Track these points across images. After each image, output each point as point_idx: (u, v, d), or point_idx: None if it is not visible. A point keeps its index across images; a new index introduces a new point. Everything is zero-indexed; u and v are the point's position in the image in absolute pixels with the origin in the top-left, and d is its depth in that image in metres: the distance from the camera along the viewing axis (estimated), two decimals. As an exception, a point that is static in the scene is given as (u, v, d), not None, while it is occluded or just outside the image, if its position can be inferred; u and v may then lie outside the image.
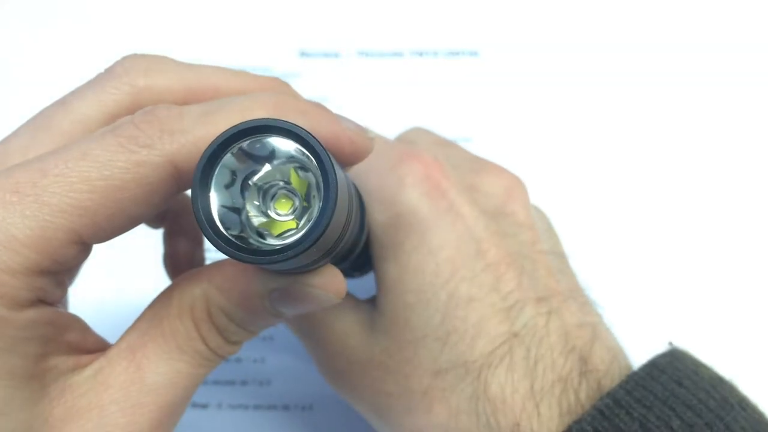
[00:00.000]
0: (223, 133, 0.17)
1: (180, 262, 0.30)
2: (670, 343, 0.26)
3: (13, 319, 0.18)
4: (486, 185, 0.28)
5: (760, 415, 0.23)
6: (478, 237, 0.26)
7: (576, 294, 0.27)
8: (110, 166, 0.18)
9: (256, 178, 0.18)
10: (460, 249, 0.26)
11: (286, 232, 0.18)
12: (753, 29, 0.44)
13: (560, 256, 0.29)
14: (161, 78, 0.22)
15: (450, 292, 0.25)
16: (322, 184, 0.17)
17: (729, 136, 0.41)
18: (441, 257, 0.26)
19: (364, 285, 0.29)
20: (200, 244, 0.30)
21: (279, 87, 0.24)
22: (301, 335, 0.29)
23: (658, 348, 0.25)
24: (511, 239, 0.27)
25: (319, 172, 0.17)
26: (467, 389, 0.24)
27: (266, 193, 0.18)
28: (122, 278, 0.34)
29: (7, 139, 0.22)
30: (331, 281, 0.21)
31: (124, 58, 0.23)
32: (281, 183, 0.18)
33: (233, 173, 0.18)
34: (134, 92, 0.22)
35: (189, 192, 0.18)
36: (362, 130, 0.22)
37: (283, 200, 0.18)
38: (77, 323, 0.21)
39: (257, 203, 0.18)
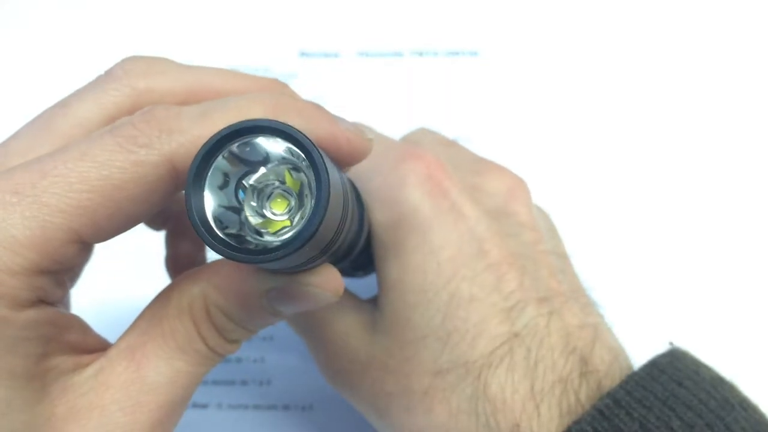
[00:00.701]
0: (215, 134, 0.17)
1: (182, 263, 0.30)
2: (671, 343, 0.26)
3: (14, 319, 0.18)
4: (488, 185, 0.29)
5: (760, 415, 0.23)
6: (480, 237, 0.26)
7: (578, 294, 0.27)
8: (109, 166, 0.18)
9: (252, 179, 0.18)
10: (462, 249, 0.26)
11: (282, 230, 0.18)
12: (754, 28, 0.44)
13: (562, 257, 0.29)
14: (161, 80, 0.22)
15: (451, 291, 0.25)
16: (314, 183, 0.17)
17: (730, 135, 0.41)
18: (443, 257, 0.26)
19: (367, 285, 0.29)
20: (202, 245, 0.31)
21: (278, 88, 0.24)
22: (302, 334, 0.29)
23: (659, 348, 0.25)
24: (513, 239, 0.27)
25: (311, 171, 0.17)
26: (467, 389, 0.24)
27: (262, 193, 0.18)
28: (122, 278, 0.34)
29: (6, 141, 0.22)
30: (328, 280, 0.21)
31: (124, 60, 0.23)
32: (276, 183, 0.18)
33: (228, 174, 0.18)
34: (134, 94, 0.22)
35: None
36: (360, 131, 0.22)
37: (279, 200, 0.18)
38: (78, 323, 0.21)
39: (254, 204, 0.18)
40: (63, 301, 0.27)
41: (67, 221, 0.18)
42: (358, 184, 0.27)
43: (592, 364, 0.24)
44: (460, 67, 0.44)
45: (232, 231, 0.18)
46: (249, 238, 0.18)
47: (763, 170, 0.40)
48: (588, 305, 0.27)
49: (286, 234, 0.18)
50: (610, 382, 0.24)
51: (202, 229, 0.17)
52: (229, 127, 0.17)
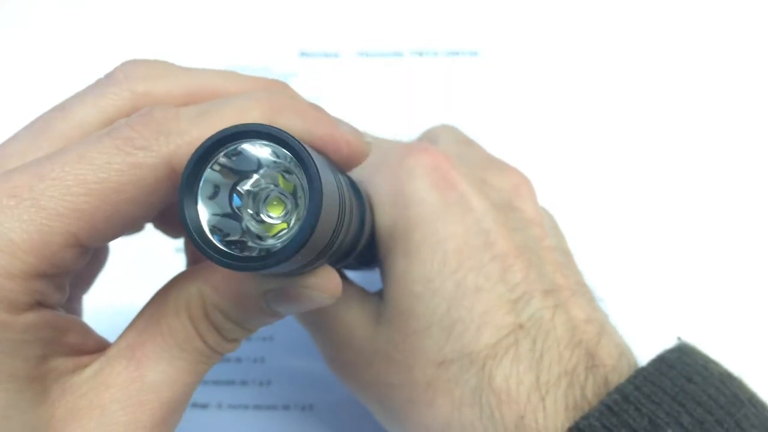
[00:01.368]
0: (205, 141, 0.17)
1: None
2: (679, 338, 0.25)
3: (13, 322, 0.18)
4: (494, 181, 0.29)
5: None
6: (487, 228, 0.26)
7: (583, 290, 0.27)
8: (106, 168, 0.18)
9: (247, 185, 0.18)
10: (469, 240, 0.26)
11: (281, 233, 0.18)
12: (753, 27, 0.44)
13: (566, 254, 0.29)
14: (161, 83, 0.22)
15: (457, 282, 0.25)
16: (306, 188, 0.17)
17: (731, 133, 0.41)
18: (449, 247, 0.26)
19: (373, 277, 0.29)
20: None
21: (278, 88, 0.24)
22: (308, 327, 0.29)
23: (662, 346, 0.25)
24: (519, 233, 0.27)
25: (302, 173, 0.17)
26: (471, 381, 0.24)
27: (257, 198, 0.18)
28: (120, 279, 0.34)
29: (5, 144, 0.22)
30: (326, 282, 0.21)
31: (124, 63, 0.23)
32: (272, 186, 0.18)
33: (221, 182, 0.18)
34: (134, 97, 0.22)
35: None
36: (359, 134, 0.22)
37: (275, 203, 0.18)
38: (77, 325, 0.21)
39: (251, 210, 0.18)
40: (73, 306, 0.28)
41: (65, 225, 0.18)
42: (362, 179, 0.27)
43: (599, 358, 0.24)
44: (460, 67, 0.44)
45: (234, 238, 0.18)
46: (251, 244, 0.18)
47: (764, 167, 0.40)
48: (593, 301, 0.27)
49: (283, 239, 0.18)
50: (618, 377, 0.24)
51: (197, 238, 0.17)
52: (216, 134, 0.17)
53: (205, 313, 0.21)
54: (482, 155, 0.31)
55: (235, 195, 0.18)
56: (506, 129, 0.42)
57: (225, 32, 0.46)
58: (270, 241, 0.18)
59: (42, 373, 0.19)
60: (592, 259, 0.30)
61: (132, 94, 0.22)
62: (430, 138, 0.33)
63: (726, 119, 0.42)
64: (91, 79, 0.23)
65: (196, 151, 0.17)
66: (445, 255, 0.26)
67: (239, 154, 0.18)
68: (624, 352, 0.25)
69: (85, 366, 0.20)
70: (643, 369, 0.24)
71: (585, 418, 0.22)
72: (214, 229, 0.17)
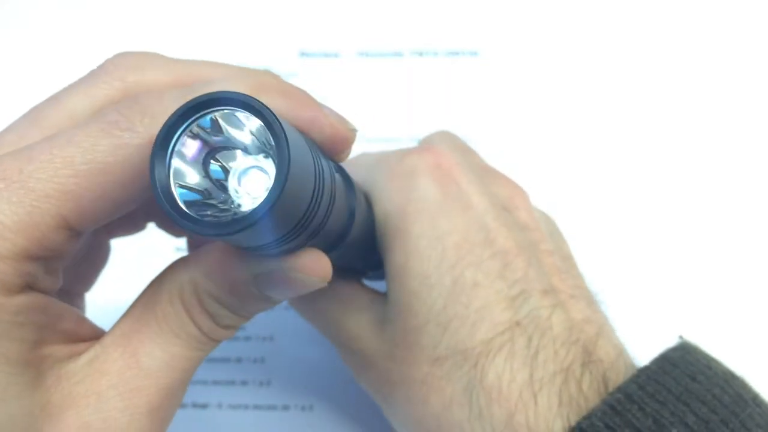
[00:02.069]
0: (180, 107, 0.17)
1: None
2: (680, 337, 0.25)
3: (5, 303, 0.18)
4: (491, 189, 0.29)
5: None
6: (488, 225, 0.26)
7: (583, 293, 0.27)
8: (93, 150, 0.19)
9: (231, 162, 0.18)
10: (468, 236, 0.26)
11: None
12: (753, 24, 0.44)
13: (567, 259, 0.29)
14: (151, 73, 0.22)
15: (455, 277, 0.25)
16: (275, 150, 0.17)
17: (729, 134, 0.41)
18: (448, 242, 0.26)
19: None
20: None
21: (265, 75, 0.24)
22: (322, 330, 0.29)
23: (664, 345, 0.25)
24: (518, 233, 0.27)
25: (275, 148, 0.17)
26: (463, 378, 0.24)
27: (238, 174, 0.18)
28: (122, 277, 0.34)
29: (0, 134, 0.22)
30: (313, 264, 0.21)
31: (115, 56, 0.23)
32: (253, 163, 0.18)
33: (200, 149, 0.18)
34: (124, 87, 0.22)
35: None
36: (343, 119, 0.22)
37: (254, 177, 0.18)
38: (72, 312, 0.21)
39: (233, 184, 0.18)
40: (76, 302, 0.28)
41: (53, 206, 0.18)
42: (362, 178, 0.27)
43: (596, 355, 0.24)
44: (460, 67, 0.44)
45: (215, 203, 0.18)
46: (233, 211, 0.18)
47: (763, 165, 0.40)
48: (593, 304, 0.27)
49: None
50: (615, 375, 0.24)
51: (164, 200, 0.17)
52: (192, 100, 0.17)
53: (198, 300, 0.21)
54: (480, 164, 0.31)
55: (221, 169, 0.18)
56: (506, 129, 0.42)
57: (225, 32, 0.45)
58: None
59: (37, 359, 0.19)
60: (592, 260, 0.30)
61: (122, 83, 0.22)
62: (429, 143, 0.33)
63: (724, 119, 0.42)
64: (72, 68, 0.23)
65: (172, 114, 0.17)
66: (444, 250, 0.26)
67: (215, 126, 0.18)
68: (622, 352, 0.25)
69: (81, 353, 0.20)
70: (646, 368, 0.23)
71: (587, 418, 0.22)
72: (199, 191, 0.18)
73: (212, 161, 0.18)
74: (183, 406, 0.35)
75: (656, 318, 0.36)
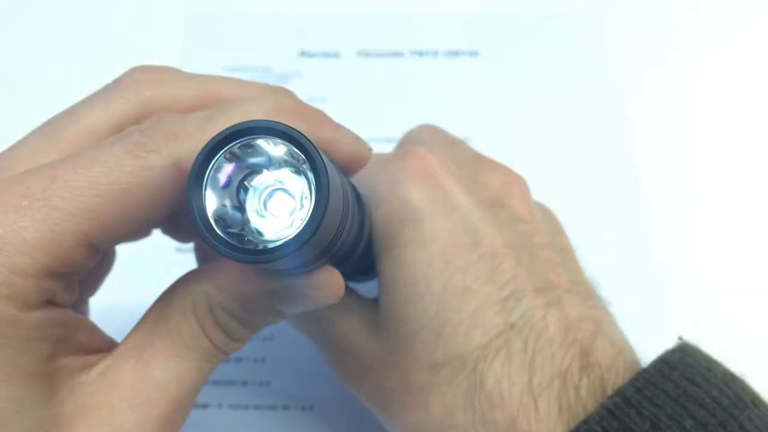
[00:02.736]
0: (217, 134, 0.18)
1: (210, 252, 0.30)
2: (680, 338, 0.25)
3: (24, 319, 0.18)
4: (484, 179, 0.28)
5: None
6: (474, 227, 0.26)
7: (579, 287, 0.27)
8: (117, 170, 0.19)
9: (254, 180, 0.19)
10: (455, 239, 0.26)
11: (282, 232, 0.18)
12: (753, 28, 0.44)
13: (564, 251, 0.28)
14: (168, 88, 0.23)
15: (444, 283, 0.25)
16: (314, 184, 0.17)
17: (727, 135, 0.41)
18: (434, 248, 0.26)
19: (373, 285, 0.29)
20: None
21: (282, 94, 0.24)
22: (309, 337, 0.29)
23: (662, 346, 0.25)
24: (508, 230, 0.27)
25: (311, 173, 0.17)
26: (463, 384, 0.24)
27: (263, 194, 0.19)
28: (126, 280, 0.34)
29: (14, 147, 0.22)
30: (328, 282, 0.21)
31: (132, 69, 0.23)
32: (278, 185, 0.19)
33: (230, 175, 0.18)
34: (141, 102, 0.22)
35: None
36: (360, 139, 0.23)
37: (280, 201, 0.19)
38: (86, 324, 0.21)
39: (255, 205, 0.19)
40: (81, 308, 0.28)
41: (76, 225, 0.18)
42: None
43: (594, 357, 0.24)
44: (460, 67, 0.44)
45: (234, 230, 0.18)
46: (250, 238, 0.18)
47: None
48: (590, 298, 0.27)
49: (286, 235, 0.18)
50: (614, 376, 0.24)
51: (203, 228, 0.17)
52: (230, 127, 0.18)
53: (210, 313, 0.21)
54: (470, 154, 0.31)
55: (242, 189, 0.18)
56: (506, 129, 0.42)
57: (225, 32, 0.46)
58: (269, 238, 0.18)
59: (51, 371, 0.19)
60: (591, 258, 0.30)
61: (140, 98, 0.22)
62: (413, 140, 0.32)
63: (722, 122, 0.42)
64: (95, 84, 0.23)
65: (209, 142, 0.18)
66: (431, 256, 0.25)
67: (252, 148, 0.18)
68: (622, 349, 0.25)
69: (93, 365, 0.20)
70: (644, 371, 0.23)
71: (585, 422, 0.22)
72: (217, 219, 0.18)
73: (243, 183, 0.18)
74: (183, 406, 0.35)
75: (658, 314, 0.36)
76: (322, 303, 0.22)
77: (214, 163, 0.18)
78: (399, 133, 0.34)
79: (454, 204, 0.26)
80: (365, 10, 0.46)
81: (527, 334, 0.24)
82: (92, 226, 0.19)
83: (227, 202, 0.18)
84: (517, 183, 0.29)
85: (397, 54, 0.45)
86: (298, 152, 0.17)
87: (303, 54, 0.45)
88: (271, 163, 0.18)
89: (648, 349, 0.25)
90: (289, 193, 0.19)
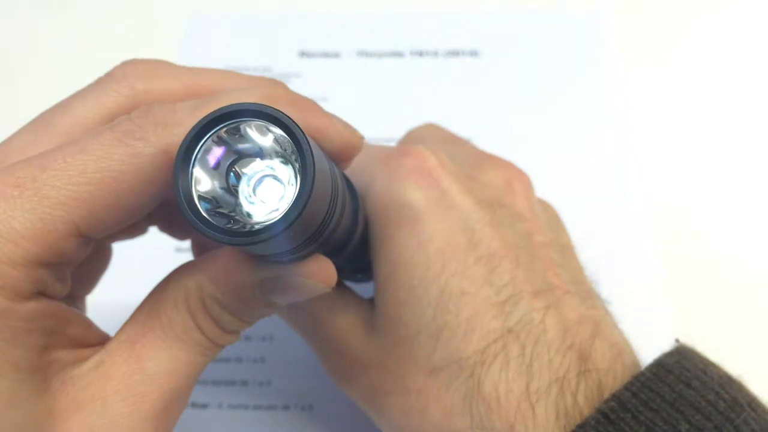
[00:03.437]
0: (206, 115, 0.18)
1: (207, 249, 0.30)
2: (677, 341, 0.25)
3: (15, 310, 0.18)
4: (486, 177, 0.28)
5: None
6: (471, 227, 0.26)
7: (579, 287, 0.27)
8: (107, 158, 0.19)
9: (246, 167, 0.19)
10: (452, 240, 0.25)
11: (270, 216, 0.18)
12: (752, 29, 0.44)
13: (565, 249, 0.28)
14: (159, 81, 0.23)
15: (441, 286, 0.25)
16: (299, 165, 0.17)
17: (724, 136, 0.41)
18: (431, 250, 0.25)
19: (368, 285, 0.29)
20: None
21: (274, 84, 0.24)
22: (304, 336, 0.29)
23: (662, 346, 0.24)
24: (507, 229, 0.26)
25: (295, 157, 0.17)
26: (461, 388, 0.24)
27: (252, 179, 0.19)
28: (123, 279, 0.34)
29: (8, 140, 0.22)
30: (319, 270, 0.21)
31: (124, 63, 0.23)
32: (269, 171, 0.19)
33: (219, 158, 0.18)
34: (133, 95, 0.22)
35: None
36: (352, 128, 0.22)
37: (269, 188, 0.19)
38: (78, 317, 0.21)
39: (246, 191, 0.19)
40: (77, 305, 0.28)
41: (66, 213, 0.18)
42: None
43: (592, 362, 0.24)
44: (460, 67, 0.44)
45: (224, 211, 0.18)
46: (239, 220, 0.18)
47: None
48: (590, 298, 0.26)
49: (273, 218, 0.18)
50: (612, 380, 0.24)
51: (187, 208, 0.17)
52: (218, 110, 0.18)
53: (203, 305, 0.21)
54: (472, 152, 0.30)
55: (233, 174, 0.18)
56: (506, 129, 0.42)
57: (225, 32, 0.46)
58: (258, 221, 0.18)
59: (44, 364, 0.19)
60: (591, 257, 0.30)
61: (131, 91, 0.22)
62: (415, 139, 0.32)
63: (720, 123, 0.42)
64: (92, 80, 0.23)
65: (197, 123, 0.18)
66: (428, 258, 0.25)
67: (238, 133, 0.18)
68: (620, 352, 0.25)
69: (86, 358, 0.20)
70: (640, 375, 0.23)
71: (581, 426, 0.22)
72: (210, 200, 0.18)
73: (234, 167, 0.19)
74: (183, 406, 0.35)
75: (658, 314, 0.36)
76: (314, 292, 0.22)
77: (202, 145, 0.18)
78: (399, 133, 0.34)
79: (452, 204, 0.26)
80: (365, 10, 0.46)
81: (525, 339, 0.24)
82: (82, 215, 0.19)
83: (219, 185, 0.18)
84: (519, 179, 0.28)
85: (397, 54, 0.45)
86: (285, 136, 0.18)
87: (303, 54, 0.45)
88: (262, 153, 0.18)
89: (647, 350, 0.25)
90: (279, 180, 0.19)
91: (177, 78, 0.23)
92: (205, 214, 0.17)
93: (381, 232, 0.26)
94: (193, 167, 0.18)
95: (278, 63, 0.44)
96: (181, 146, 0.18)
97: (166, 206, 0.28)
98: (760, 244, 0.38)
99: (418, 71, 0.44)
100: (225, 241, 0.17)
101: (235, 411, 0.35)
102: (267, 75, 0.44)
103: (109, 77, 0.23)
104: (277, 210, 0.18)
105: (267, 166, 0.19)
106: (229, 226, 0.18)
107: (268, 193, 0.19)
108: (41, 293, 0.19)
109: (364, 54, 0.45)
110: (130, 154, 0.19)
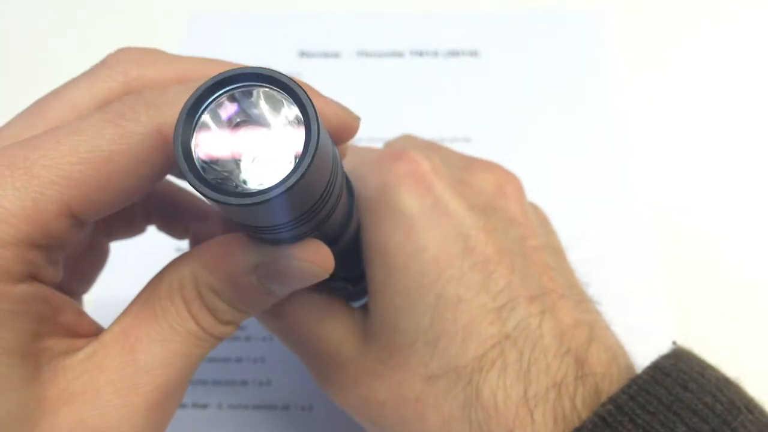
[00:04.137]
0: (223, 72, 0.17)
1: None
2: (674, 343, 0.25)
3: (6, 291, 0.18)
4: (477, 181, 0.28)
5: (767, 417, 0.23)
6: (466, 234, 0.26)
7: (572, 291, 0.27)
8: (98, 138, 0.19)
9: (251, 134, 0.18)
10: (446, 247, 0.25)
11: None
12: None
13: (556, 252, 0.28)
14: (152, 68, 0.23)
15: (437, 293, 0.25)
16: (304, 128, 0.17)
17: (721, 137, 0.41)
18: (426, 257, 0.25)
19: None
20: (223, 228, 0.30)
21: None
22: (294, 348, 0.28)
23: (660, 347, 0.24)
24: (501, 235, 0.26)
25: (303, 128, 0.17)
26: (460, 396, 0.24)
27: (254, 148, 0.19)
28: (122, 279, 0.34)
29: (2, 127, 0.22)
30: (316, 253, 0.21)
31: (118, 50, 0.23)
32: (271, 140, 0.18)
33: (231, 115, 0.18)
34: (126, 81, 0.22)
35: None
36: (347, 109, 0.22)
37: (270, 157, 0.18)
38: (71, 306, 0.21)
39: (249, 156, 0.18)
40: (77, 296, 0.27)
41: (57, 193, 0.18)
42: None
43: (588, 366, 0.24)
44: (460, 67, 0.44)
45: (218, 169, 0.18)
46: (237, 184, 0.18)
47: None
48: (583, 302, 0.26)
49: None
50: (608, 384, 0.23)
51: (185, 162, 0.17)
52: (233, 69, 0.18)
53: (197, 294, 0.21)
54: (458, 156, 0.30)
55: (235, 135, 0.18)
56: (506, 129, 0.42)
57: (225, 32, 0.46)
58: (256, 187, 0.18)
59: (35, 351, 0.19)
60: (591, 258, 0.30)
61: (124, 77, 0.22)
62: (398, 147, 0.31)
63: (718, 123, 0.42)
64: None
65: (209, 79, 0.18)
66: (423, 265, 0.25)
67: (251, 97, 0.18)
68: (615, 355, 0.25)
69: (79, 349, 0.20)
70: (637, 377, 0.23)
71: (578, 430, 0.22)
72: (208, 160, 0.18)
73: (240, 128, 0.18)
74: (183, 406, 0.35)
75: (650, 316, 0.36)
76: (310, 277, 0.21)
77: (208, 104, 0.18)
78: (399, 133, 0.33)
79: (446, 210, 0.26)
80: (365, 10, 0.46)
81: (522, 345, 0.24)
82: (74, 195, 0.18)
83: (222, 143, 0.18)
84: (510, 183, 0.28)
85: (397, 54, 0.45)
86: (296, 108, 0.17)
87: (303, 54, 0.45)
88: (269, 124, 0.18)
89: (646, 350, 0.25)
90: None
91: (169, 65, 0.23)
92: (202, 173, 0.17)
93: (374, 238, 0.26)
94: (195, 125, 0.18)
95: (278, 63, 0.44)
96: (189, 99, 0.17)
97: (164, 204, 0.28)
98: (760, 244, 0.38)
99: (418, 71, 0.44)
100: (226, 201, 0.17)
101: (235, 411, 0.35)
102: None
103: (103, 64, 0.23)
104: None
105: (272, 137, 0.18)
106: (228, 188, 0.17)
107: (268, 164, 0.18)
108: (33, 276, 0.19)
109: (364, 54, 0.45)
110: (122, 134, 0.19)
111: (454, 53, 0.44)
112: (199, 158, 0.17)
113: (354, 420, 0.27)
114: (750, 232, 0.39)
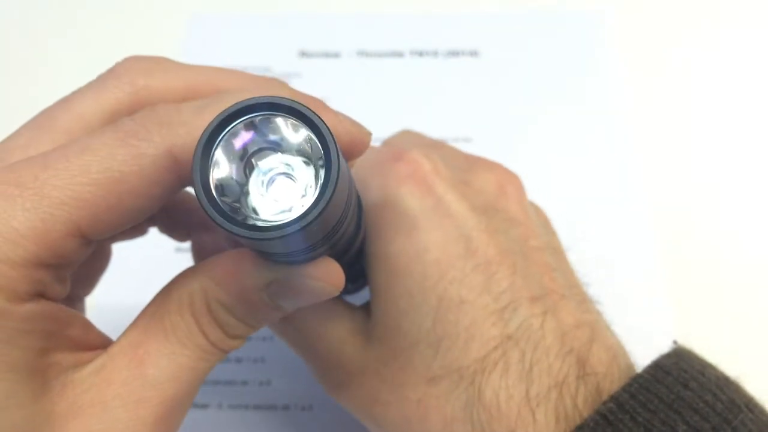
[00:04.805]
0: (235, 104, 0.17)
1: (207, 252, 0.29)
2: (675, 342, 0.25)
3: (13, 311, 0.18)
4: (478, 181, 0.28)
5: (767, 416, 0.23)
6: (467, 235, 0.26)
7: (573, 291, 0.27)
8: (110, 158, 0.18)
9: (263, 160, 0.18)
10: (448, 249, 0.25)
11: (279, 214, 0.18)
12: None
13: (557, 252, 0.28)
14: (161, 78, 0.22)
15: (440, 295, 0.25)
16: (323, 175, 0.17)
17: (718, 138, 0.41)
18: (428, 259, 0.25)
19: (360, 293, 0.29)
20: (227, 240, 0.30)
21: (277, 84, 0.24)
22: (296, 348, 0.28)
23: (660, 347, 0.25)
24: (502, 235, 0.26)
25: (321, 161, 0.17)
26: (462, 396, 0.24)
27: (266, 176, 0.18)
28: (122, 280, 0.34)
29: (9, 138, 0.22)
30: (328, 272, 0.21)
31: (125, 59, 0.23)
32: (284, 168, 0.18)
33: (239, 150, 0.18)
34: (134, 91, 0.22)
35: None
36: (359, 125, 0.22)
37: (282, 187, 0.18)
38: (79, 320, 0.21)
39: (259, 185, 0.18)
40: (76, 306, 0.27)
41: (67, 213, 0.18)
42: None
43: (590, 366, 0.24)
44: (460, 67, 0.44)
45: (228, 200, 0.18)
46: (244, 212, 0.18)
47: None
48: (584, 302, 0.27)
49: (285, 218, 0.18)
50: (609, 383, 0.24)
51: (205, 197, 0.17)
52: (248, 99, 0.17)
53: (207, 309, 0.21)
54: (458, 154, 0.30)
55: (248, 165, 0.18)
56: (506, 129, 0.42)
57: (225, 32, 0.46)
58: (265, 217, 0.18)
59: (43, 367, 0.19)
60: (591, 258, 0.30)
61: (132, 87, 0.22)
62: (396, 145, 0.31)
63: (715, 123, 0.42)
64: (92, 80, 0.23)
65: (225, 110, 0.17)
66: (425, 267, 0.25)
67: (268, 124, 0.18)
68: (616, 355, 0.25)
69: (87, 362, 0.20)
70: (638, 376, 0.23)
71: (580, 428, 0.22)
72: (217, 186, 0.18)
73: (251, 159, 0.18)
74: (183, 406, 0.35)
75: (649, 316, 0.36)
76: (322, 295, 0.21)
77: (225, 134, 0.17)
78: (387, 137, 0.33)
79: (447, 212, 0.26)
80: (365, 10, 0.46)
81: (524, 345, 0.24)
82: (84, 216, 0.18)
83: (231, 173, 0.18)
84: (511, 183, 0.28)
85: (397, 54, 0.45)
86: (314, 138, 0.17)
87: (303, 54, 0.45)
88: (286, 148, 0.18)
89: (647, 350, 0.25)
90: (293, 179, 0.18)
91: (178, 75, 0.23)
92: (222, 206, 0.17)
93: (376, 240, 0.26)
94: (213, 157, 0.17)
95: (278, 63, 0.44)
96: (205, 130, 0.17)
97: (166, 208, 0.28)
98: (760, 244, 0.38)
99: (418, 71, 0.44)
100: (244, 234, 0.17)
101: (235, 411, 0.35)
102: (267, 75, 0.44)
103: (110, 73, 0.23)
104: (289, 209, 0.18)
105: (283, 164, 0.18)
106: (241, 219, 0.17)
107: (282, 191, 0.18)
108: (40, 294, 0.19)
109: (364, 54, 0.45)
110: (134, 155, 0.19)
111: (454, 53, 0.44)
112: (218, 199, 0.17)
113: (354, 420, 0.27)
114: (750, 232, 0.39)
